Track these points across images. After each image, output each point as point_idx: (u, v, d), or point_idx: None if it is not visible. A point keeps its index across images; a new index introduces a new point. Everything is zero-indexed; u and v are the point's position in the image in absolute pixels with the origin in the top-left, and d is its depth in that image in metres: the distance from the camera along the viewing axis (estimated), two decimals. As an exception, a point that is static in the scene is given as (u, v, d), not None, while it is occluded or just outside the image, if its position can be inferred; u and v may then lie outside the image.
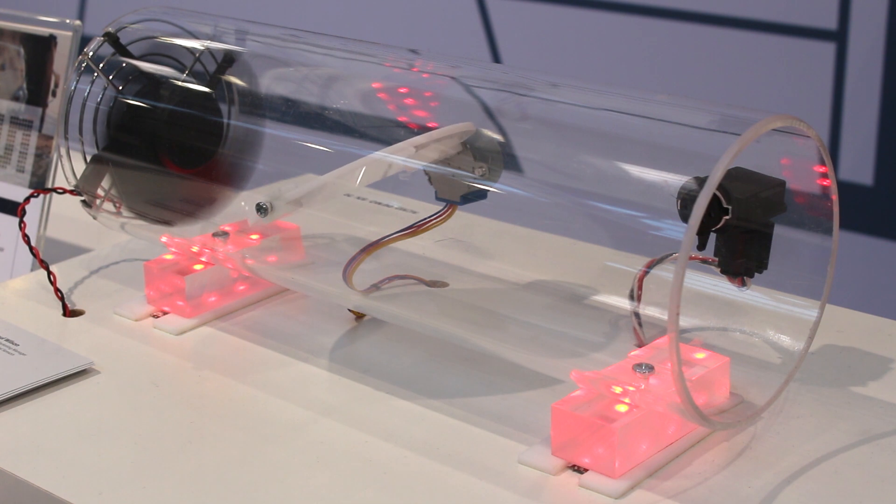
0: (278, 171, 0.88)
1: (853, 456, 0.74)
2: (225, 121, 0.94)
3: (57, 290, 0.94)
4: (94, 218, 0.99)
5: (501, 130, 0.83)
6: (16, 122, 1.07)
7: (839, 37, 1.77)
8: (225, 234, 0.93)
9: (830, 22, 1.77)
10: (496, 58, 2.11)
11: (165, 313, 0.93)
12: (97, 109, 0.94)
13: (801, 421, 0.77)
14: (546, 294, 0.85)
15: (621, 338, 0.77)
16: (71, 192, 0.96)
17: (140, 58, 0.95)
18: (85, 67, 0.95)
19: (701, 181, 0.69)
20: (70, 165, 0.95)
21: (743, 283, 0.76)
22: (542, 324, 0.82)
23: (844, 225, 0.77)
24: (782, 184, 0.75)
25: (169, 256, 0.94)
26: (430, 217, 0.85)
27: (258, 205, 0.81)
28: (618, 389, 0.73)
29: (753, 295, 0.77)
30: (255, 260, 0.91)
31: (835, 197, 0.75)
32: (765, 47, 1.83)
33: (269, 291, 0.95)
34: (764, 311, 0.79)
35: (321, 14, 2.32)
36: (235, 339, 0.90)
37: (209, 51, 0.94)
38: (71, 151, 0.96)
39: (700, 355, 0.77)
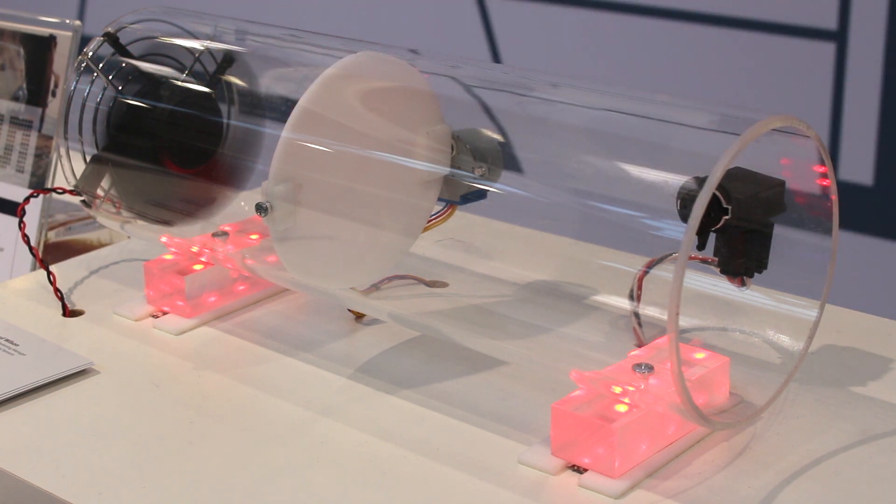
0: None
1: (853, 456, 0.74)
2: (225, 121, 0.94)
3: (57, 290, 0.94)
4: (94, 218, 0.99)
5: (501, 130, 0.83)
6: (16, 122, 1.07)
7: (839, 37, 1.77)
8: (225, 234, 0.93)
9: (830, 22, 1.77)
10: (496, 58, 2.11)
11: (165, 313, 0.93)
12: (97, 109, 0.94)
13: (801, 421, 0.77)
14: (546, 294, 0.85)
15: (621, 338, 0.77)
16: (71, 192, 0.96)
17: (140, 58, 0.95)
18: (85, 67, 0.95)
19: (701, 181, 0.69)
20: (70, 165, 0.95)
21: (743, 283, 0.76)
22: (542, 324, 0.82)
23: (844, 225, 0.77)
24: (782, 184, 0.75)
25: (169, 256, 0.94)
26: (430, 217, 0.85)
27: (258, 205, 0.80)
28: (618, 389, 0.73)
29: (753, 295, 0.77)
30: (255, 260, 0.91)
31: (835, 197, 0.75)
32: (765, 47, 1.83)
33: (269, 291, 0.95)
34: (764, 311, 0.79)
35: (321, 14, 2.32)
36: (235, 339, 0.90)
37: (209, 51, 0.94)
38: (71, 151, 0.95)
39: (700, 355, 0.77)
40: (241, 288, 0.95)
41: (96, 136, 0.95)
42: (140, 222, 0.96)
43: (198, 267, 0.93)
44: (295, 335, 0.90)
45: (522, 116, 0.86)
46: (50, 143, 1.04)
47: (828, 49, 1.78)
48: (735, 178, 0.73)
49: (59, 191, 0.97)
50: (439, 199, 0.84)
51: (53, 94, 1.05)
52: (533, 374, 0.83)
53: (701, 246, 0.75)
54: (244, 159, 0.94)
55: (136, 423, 0.80)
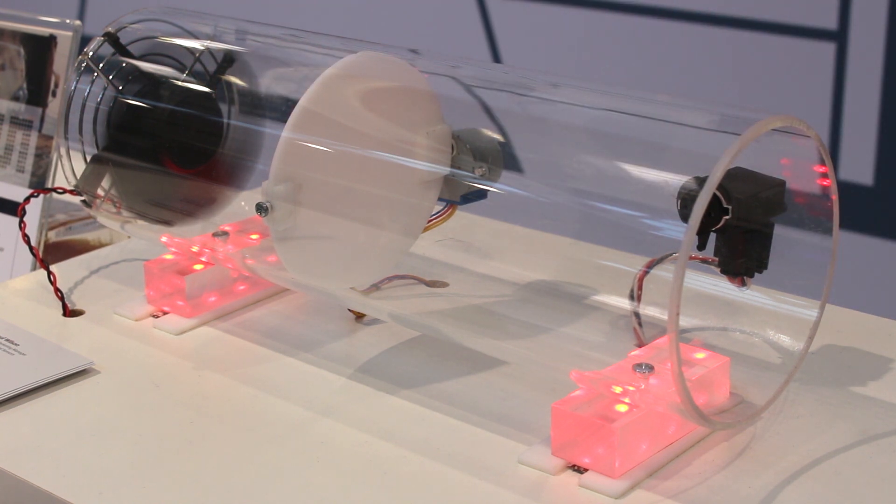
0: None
1: (853, 456, 0.74)
2: (225, 121, 0.94)
3: (57, 290, 0.94)
4: (94, 218, 0.99)
5: (501, 130, 0.83)
6: (16, 122, 1.07)
7: (839, 37, 1.77)
8: (225, 234, 0.93)
9: (830, 22, 1.77)
10: (496, 58, 2.11)
11: (165, 313, 0.93)
12: (97, 109, 0.94)
13: (801, 421, 0.77)
14: (546, 294, 0.85)
15: (621, 338, 0.77)
16: (71, 192, 0.96)
17: (140, 58, 0.95)
18: (85, 67, 0.95)
19: (701, 181, 0.69)
20: (70, 165, 0.95)
21: (743, 283, 0.76)
22: (542, 324, 0.82)
23: (844, 225, 0.77)
24: (782, 184, 0.75)
25: (169, 256, 0.94)
26: (430, 217, 0.85)
27: (258, 205, 0.80)
28: (618, 389, 0.73)
29: (753, 295, 0.77)
30: (255, 260, 0.91)
31: (835, 197, 0.75)
32: (765, 47, 1.83)
33: (269, 291, 0.95)
34: (764, 311, 0.79)
35: (321, 14, 2.32)
36: (235, 339, 0.90)
37: (209, 51, 0.94)
38: (71, 151, 0.95)
39: (700, 355, 0.77)
40: (242, 288, 0.95)
41: (96, 136, 0.95)
42: (140, 222, 0.96)
43: (198, 267, 0.93)
44: (295, 335, 0.90)
45: (522, 116, 0.86)
46: (50, 142, 1.04)
47: (828, 49, 1.78)
48: (735, 178, 0.73)
49: (60, 191, 0.97)
50: (439, 199, 0.84)
51: (54, 94, 1.05)
52: (533, 374, 0.83)
53: (701, 246, 0.75)
54: (244, 159, 0.94)
55: (136, 423, 0.80)
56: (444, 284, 0.87)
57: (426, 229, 0.85)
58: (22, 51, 1.07)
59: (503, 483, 0.72)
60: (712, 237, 0.75)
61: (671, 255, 0.71)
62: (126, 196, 0.96)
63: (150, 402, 0.82)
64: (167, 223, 0.95)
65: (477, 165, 0.82)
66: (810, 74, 1.80)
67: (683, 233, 0.67)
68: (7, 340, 0.88)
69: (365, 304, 0.88)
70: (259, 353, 0.88)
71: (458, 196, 0.84)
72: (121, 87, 0.94)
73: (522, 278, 0.87)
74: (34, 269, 1.02)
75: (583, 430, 0.72)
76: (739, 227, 0.74)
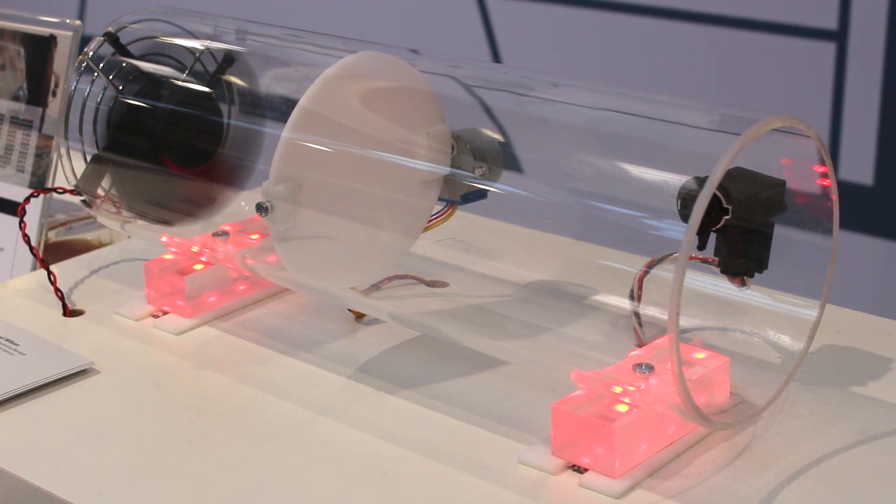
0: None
1: (853, 456, 0.74)
2: (225, 121, 0.94)
3: (57, 290, 0.94)
4: (94, 218, 0.99)
5: (501, 130, 0.83)
6: (16, 122, 1.07)
7: (839, 37, 1.77)
8: (225, 234, 0.93)
9: (830, 22, 1.77)
10: (496, 58, 2.11)
11: (165, 313, 0.93)
12: (97, 109, 0.94)
13: (801, 421, 0.77)
14: (546, 294, 0.85)
15: (621, 338, 0.77)
16: (71, 192, 0.96)
17: (140, 58, 0.95)
18: (85, 67, 0.95)
19: (701, 181, 0.69)
20: (70, 165, 0.95)
21: (743, 283, 0.76)
22: (542, 324, 0.82)
23: (844, 225, 0.77)
24: (782, 184, 0.75)
25: (169, 256, 0.94)
26: (430, 217, 0.85)
27: (258, 205, 0.81)
28: (618, 389, 0.73)
29: (753, 295, 0.77)
30: (255, 260, 0.91)
31: (835, 197, 0.75)
32: (765, 47, 1.83)
33: (269, 291, 0.95)
34: (764, 311, 0.79)
35: (321, 14, 2.32)
36: (235, 339, 0.90)
37: (209, 51, 0.94)
38: (71, 151, 0.96)
39: (700, 355, 0.77)
40: (242, 288, 0.95)
41: (96, 136, 0.95)
42: (140, 222, 0.96)
43: (198, 267, 0.93)
44: (295, 335, 0.90)
45: (522, 116, 0.86)
46: (50, 142, 1.04)
47: (828, 49, 1.78)
48: (735, 178, 0.73)
49: (60, 190, 0.97)
50: (439, 199, 0.84)
51: (54, 94, 1.05)
52: (533, 374, 0.83)
53: (701, 246, 0.75)
54: (244, 159, 0.94)
55: (136, 423, 0.80)
56: (444, 284, 0.87)
57: (426, 229, 0.85)
58: (22, 51, 1.07)
59: (503, 483, 0.72)
60: (712, 237, 0.75)
61: (671, 255, 0.71)
62: (126, 196, 0.96)
63: (150, 402, 0.82)
64: (167, 223, 0.95)
65: (477, 165, 0.82)
66: (810, 74, 1.80)
67: (683, 233, 0.67)
68: (7, 340, 0.88)
69: (365, 304, 0.88)
70: (259, 353, 0.88)
71: (458, 196, 0.84)
72: (121, 87, 0.94)
73: (522, 278, 0.87)
74: (34, 269, 1.02)
75: (583, 430, 0.72)
76: (739, 227, 0.74)
